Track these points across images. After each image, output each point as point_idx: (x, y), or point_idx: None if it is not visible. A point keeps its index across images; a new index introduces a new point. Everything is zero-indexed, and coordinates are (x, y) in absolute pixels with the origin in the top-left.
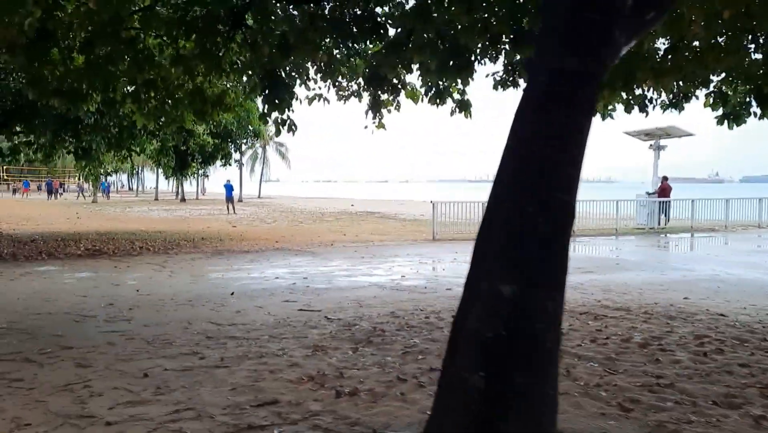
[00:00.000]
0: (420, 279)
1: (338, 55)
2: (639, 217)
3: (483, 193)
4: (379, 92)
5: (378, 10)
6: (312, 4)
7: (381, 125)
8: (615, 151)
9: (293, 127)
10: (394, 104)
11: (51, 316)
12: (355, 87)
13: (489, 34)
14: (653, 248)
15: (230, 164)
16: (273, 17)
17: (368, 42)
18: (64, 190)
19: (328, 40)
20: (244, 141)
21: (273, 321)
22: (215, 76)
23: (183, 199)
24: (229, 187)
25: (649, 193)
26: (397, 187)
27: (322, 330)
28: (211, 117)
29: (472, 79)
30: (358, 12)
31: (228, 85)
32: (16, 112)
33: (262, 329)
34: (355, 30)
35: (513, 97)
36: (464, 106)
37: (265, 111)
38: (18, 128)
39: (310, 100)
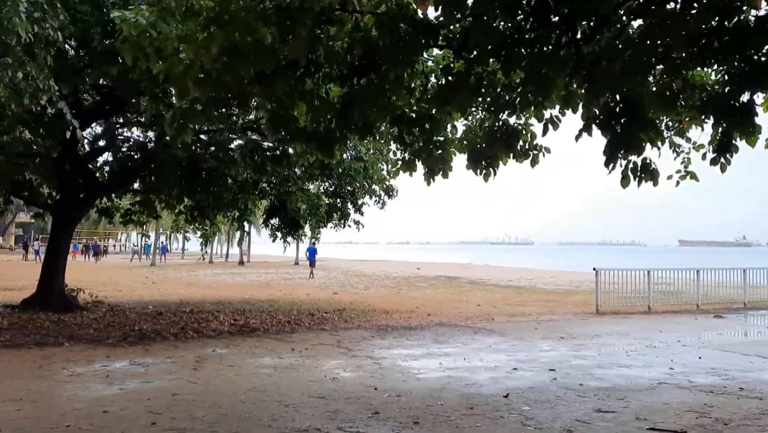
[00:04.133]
0: (702, 373)
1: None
2: None
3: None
4: (726, 123)
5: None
6: None
7: (692, 175)
8: (623, 215)
9: (655, 173)
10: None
11: None
12: None
13: None
14: None
15: (349, 226)
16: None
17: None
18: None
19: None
20: (371, 199)
21: None
22: (541, 108)
23: (241, 262)
24: (312, 251)
25: None
26: (425, 249)
27: None
28: (498, 164)
29: None
30: None
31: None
32: (137, 169)
33: None
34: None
35: None
36: None
37: (608, 156)
38: (132, 186)
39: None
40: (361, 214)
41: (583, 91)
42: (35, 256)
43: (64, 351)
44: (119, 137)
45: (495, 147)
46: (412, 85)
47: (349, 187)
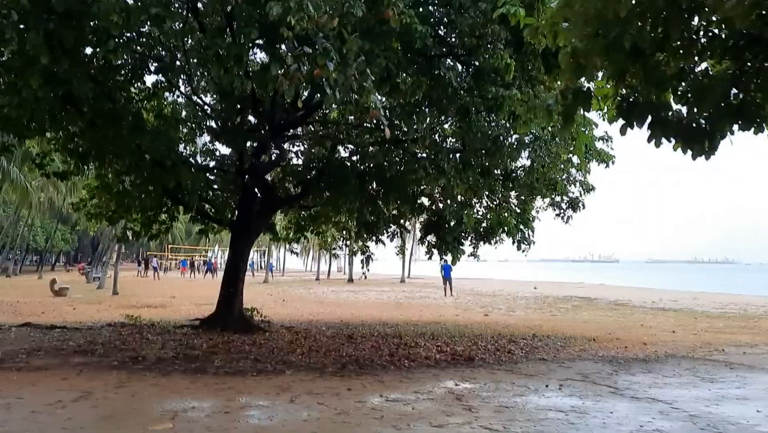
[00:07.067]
0: None
1: None
2: None
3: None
4: None
5: None
6: None
7: None
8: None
9: None
10: None
11: None
12: None
13: None
14: None
15: (521, 241)
16: None
17: None
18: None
19: None
20: (552, 212)
21: None
22: None
23: (350, 280)
24: (447, 268)
25: None
26: (506, 266)
27: None
28: None
29: None
30: None
31: None
32: (311, 183)
33: None
34: None
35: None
36: None
37: None
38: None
39: None
40: (532, 230)
41: None
42: (154, 272)
43: (294, 380)
44: (290, 150)
45: None
46: None
47: (522, 197)
